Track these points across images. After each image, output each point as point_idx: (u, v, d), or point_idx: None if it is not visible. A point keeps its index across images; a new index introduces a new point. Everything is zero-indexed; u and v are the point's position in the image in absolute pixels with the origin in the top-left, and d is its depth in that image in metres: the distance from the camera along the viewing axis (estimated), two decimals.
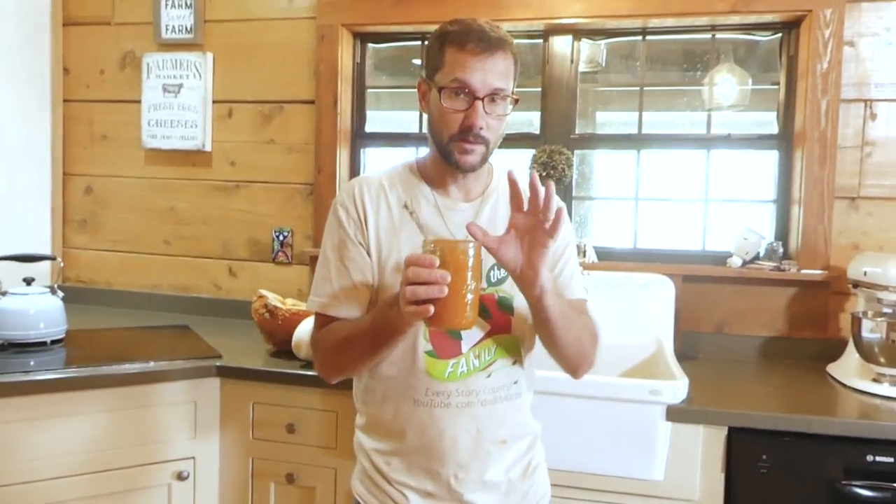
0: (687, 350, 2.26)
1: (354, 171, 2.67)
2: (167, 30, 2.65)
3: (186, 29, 2.63)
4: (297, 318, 2.06)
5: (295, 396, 1.95)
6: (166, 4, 2.63)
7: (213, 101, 2.66)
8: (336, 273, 1.25)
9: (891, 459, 1.60)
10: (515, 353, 1.28)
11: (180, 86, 2.64)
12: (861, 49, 2.19)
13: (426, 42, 1.32)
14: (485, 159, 1.24)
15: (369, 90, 2.69)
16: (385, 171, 1.33)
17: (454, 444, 1.23)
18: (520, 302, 1.23)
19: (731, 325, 2.29)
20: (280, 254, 2.65)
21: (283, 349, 2.08)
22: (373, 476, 1.31)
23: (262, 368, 1.98)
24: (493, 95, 1.18)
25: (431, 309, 0.99)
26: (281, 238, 2.64)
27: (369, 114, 2.70)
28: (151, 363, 1.92)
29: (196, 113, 2.64)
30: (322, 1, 2.51)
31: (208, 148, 2.67)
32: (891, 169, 2.18)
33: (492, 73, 1.17)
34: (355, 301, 1.24)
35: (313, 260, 2.59)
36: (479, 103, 1.17)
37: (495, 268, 1.24)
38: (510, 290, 1.24)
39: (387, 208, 1.26)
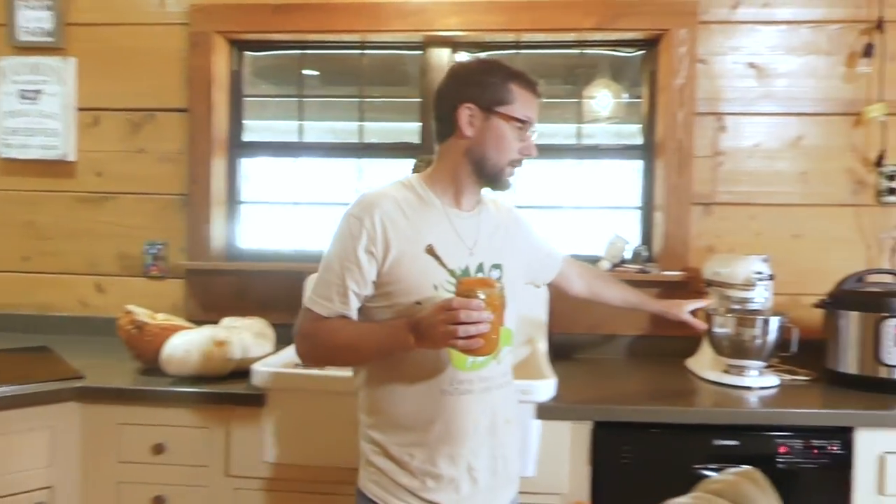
0: (563, 351, 2.35)
1: (232, 181, 2.61)
2: (24, 32, 2.49)
3: (46, 32, 2.49)
4: (168, 332, 1.98)
5: (163, 415, 1.87)
6: (22, 5, 2.48)
7: (78, 109, 2.53)
8: (337, 279, 1.35)
9: (735, 442, 1.73)
10: (510, 342, 1.47)
11: (39, 92, 2.49)
12: (712, 67, 2.37)
13: (469, 74, 1.43)
14: None
15: (247, 99, 2.65)
16: (392, 184, 1.44)
17: (476, 426, 1.38)
18: (510, 297, 1.38)
19: (603, 326, 2.40)
20: (153, 268, 2.54)
21: (153, 366, 1.99)
22: (391, 472, 1.38)
23: (128, 387, 1.89)
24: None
25: (482, 342, 1.20)
26: (153, 251, 2.53)
27: (250, 123, 2.65)
28: (2, 388, 1.78)
29: (57, 121, 2.49)
30: (195, 7, 2.45)
31: (72, 158, 2.53)
32: (740, 177, 2.37)
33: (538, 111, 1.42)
34: (348, 306, 1.36)
35: (190, 273, 2.51)
36: (531, 136, 1.40)
37: (493, 268, 1.43)
38: (504, 285, 1.39)
39: (401, 215, 1.36)
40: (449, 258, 1.36)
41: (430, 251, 1.34)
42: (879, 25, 2.28)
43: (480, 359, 1.36)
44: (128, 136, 2.53)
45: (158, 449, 1.87)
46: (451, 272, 1.34)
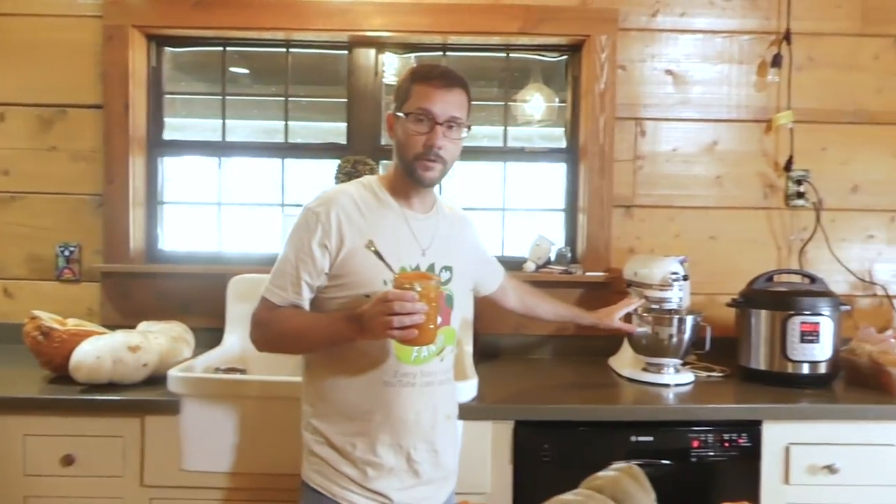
0: (489, 351, 2.37)
1: (152, 180, 2.52)
2: None
3: None
4: (77, 338, 1.90)
5: (74, 424, 1.80)
6: None
7: None
8: (292, 270, 1.40)
9: (650, 438, 1.79)
10: (454, 341, 1.53)
11: None
12: (632, 73, 2.44)
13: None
14: (441, 176, 1.45)
15: (169, 96, 2.57)
16: (351, 184, 1.50)
17: (417, 418, 1.43)
18: (458, 299, 1.51)
19: (528, 327, 2.43)
20: (66, 270, 2.43)
21: (62, 374, 1.91)
22: (333, 462, 1.42)
23: (34, 396, 1.81)
24: (451, 122, 1.41)
25: (416, 332, 1.24)
26: (67, 254, 2.43)
27: (175, 121, 2.57)
28: None
29: None
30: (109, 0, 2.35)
31: None
32: (658, 180, 2.44)
33: (450, 103, 1.41)
34: (301, 296, 1.42)
35: (105, 276, 2.41)
36: (438, 128, 1.39)
37: (444, 269, 1.48)
38: (452, 288, 1.50)
39: (358, 212, 1.42)
40: (402, 257, 1.41)
41: (371, 246, 1.36)
42: (787, 37, 2.40)
43: (425, 353, 1.43)
44: (38, 133, 2.41)
45: (68, 460, 1.79)
46: (389, 266, 1.35)
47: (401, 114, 1.43)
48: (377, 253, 1.35)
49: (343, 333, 1.35)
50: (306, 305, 1.44)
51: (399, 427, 1.42)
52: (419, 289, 1.25)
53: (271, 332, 1.42)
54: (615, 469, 0.82)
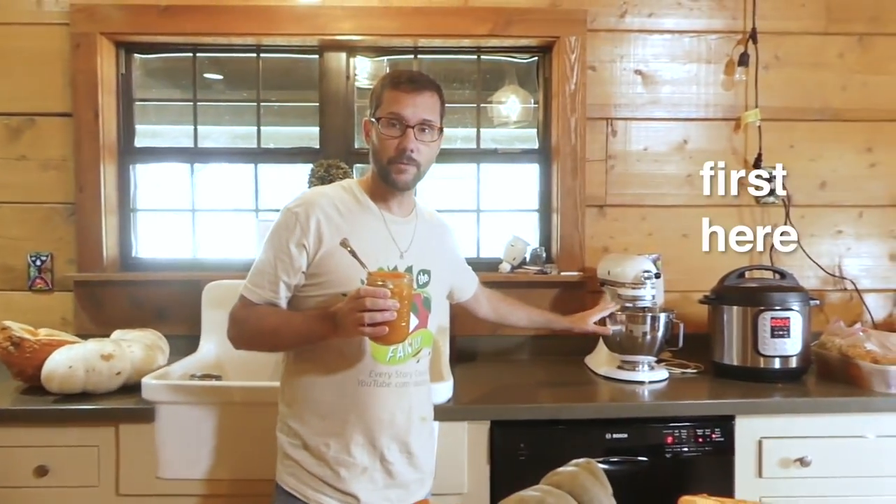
0: (466, 353, 2.38)
1: (124, 188, 2.50)
2: None
3: None
4: (49, 348, 1.89)
5: (46, 435, 1.79)
6: None
7: None
8: (270, 268, 1.42)
9: (624, 435, 1.80)
10: (430, 343, 1.55)
11: None
12: (602, 73, 2.46)
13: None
14: (417, 179, 1.47)
15: (140, 103, 2.55)
16: (332, 186, 1.52)
17: (392, 419, 1.44)
18: (435, 303, 1.53)
19: (504, 328, 2.42)
20: (38, 280, 2.41)
21: (34, 384, 1.89)
22: (307, 464, 1.43)
23: (5, 408, 1.79)
24: (423, 125, 1.42)
25: (387, 329, 1.25)
26: (38, 263, 2.40)
27: (148, 128, 2.55)
28: None
29: None
30: (75, 7, 2.33)
31: None
32: (629, 179, 2.47)
33: (421, 107, 1.42)
34: (278, 294, 1.43)
35: (78, 285, 2.39)
36: (410, 131, 1.41)
37: (421, 273, 1.49)
38: (430, 291, 1.51)
39: (337, 213, 1.43)
40: (380, 259, 1.43)
41: (344, 244, 1.37)
42: (753, 36, 2.43)
43: (400, 353, 1.44)
44: (6, 143, 2.38)
45: (41, 471, 1.78)
46: (363, 263, 1.36)
47: (374, 119, 1.45)
48: (352, 251, 1.36)
49: (317, 331, 1.36)
50: (283, 304, 1.45)
51: (373, 427, 1.43)
52: (391, 286, 1.26)
53: (247, 329, 1.44)
54: (574, 465, 0.83)
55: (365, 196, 1.49)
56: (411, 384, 1.48)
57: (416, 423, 1.49)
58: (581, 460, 0.84)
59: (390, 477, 1.45)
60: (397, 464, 1.46)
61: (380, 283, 1.26)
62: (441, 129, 1.48)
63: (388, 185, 1.45)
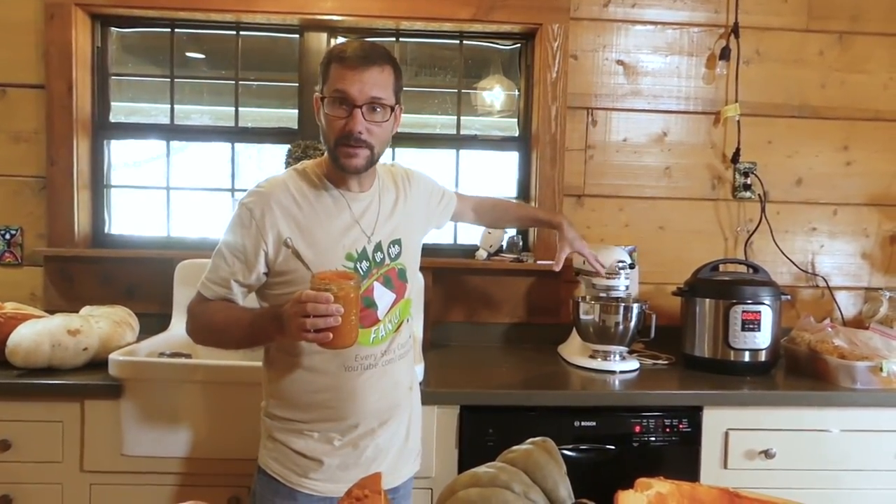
0: (441, 339, 2.38)
1: (97, 163, 2.46)
2: None
3: None
4: (15, 322, 1.86)
5: (10, 409, 1.77)
6: None
7: None
8: (224, 265, 1.37)
9: (593, 423, 1.81)
10: (410, 312, 1.52)
11: None
12: (584, 63, 2.45)
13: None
14: (370, 162, 1.37)
15: (116, 78, 2.51)
16: (286, 173, 1.43)
17: (380, 398, 1.42)
18: (411, 272, 1.49)
19: (480, 314, 2.45)
20: (7, 254, 2.37)
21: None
22: (292, 448, 1.40)
23: None
24: (373, 104, 1.32)
25: (331, 336, 1.18)
26: (8, 237, 2.36)
27: (125, 105, 2.50)
28: None
29: None
30: None
31: None
32: (608, 170, 2.47)
33: (369, 83, 1.30)
34: (231, 291, 1.39)
35: (48, 260, 2.36)
36: (357, 111, 1.30)
37: (392, 244, 1.44)
38: (404, 262, 1.46)
39: (295, 205, 1.36)
40: (346, 244, 1.37)
41: (287, 245, 1.33)
42: (735, 30, 2.44)
43: (382, 332, 1.42)
44: None
45: (4, 445, 1.76)
46: (307, 265, 1.33)
47: (322, 95, 1.35)
48: (295, 252, 1.32)
49: (266, 331, 1.30)
50: (239, 300, 1.41)
51: (364, 411, 1.40)
52: (335, 290, 1.19)
53: (199, 324, 1.40)
54: (530, 443, 0.83)
55: (322, 178, 1.41)
56: (396, 358, 1.46)
57: (404, 394, 1.49)
58: (538, 438, 0.84)
59: (381, 456, 1.44)
60: (387, 442, 1.45)
61: (323, 287, 1.19)
62: (395, 107, 1.37)
63: (339, 168, 1.36)
